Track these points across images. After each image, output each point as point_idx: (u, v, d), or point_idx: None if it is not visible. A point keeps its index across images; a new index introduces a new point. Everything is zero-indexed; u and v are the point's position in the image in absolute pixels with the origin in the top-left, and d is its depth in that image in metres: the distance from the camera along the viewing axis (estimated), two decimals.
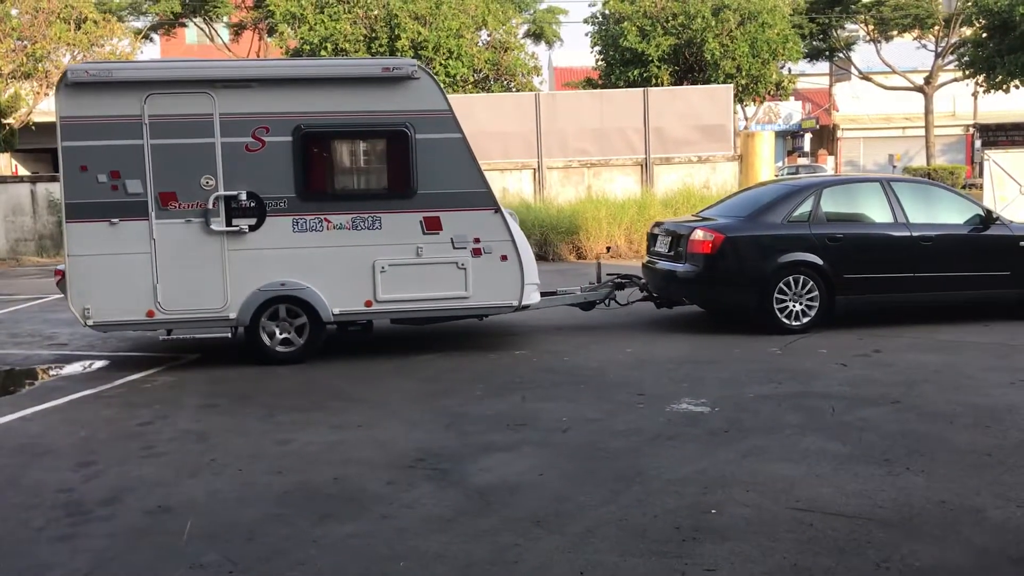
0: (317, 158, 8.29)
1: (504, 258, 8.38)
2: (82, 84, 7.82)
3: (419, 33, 24.72)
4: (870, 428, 5.90)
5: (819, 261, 9.03)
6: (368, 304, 8.29)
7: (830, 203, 9.38)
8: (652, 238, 10.29)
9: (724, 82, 25.21)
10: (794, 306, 9.06)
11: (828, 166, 40.38)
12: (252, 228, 8.08)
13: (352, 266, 8.20)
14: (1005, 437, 5.66)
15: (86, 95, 7.85)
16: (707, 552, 4.07)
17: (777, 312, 9.03)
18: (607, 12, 28.95)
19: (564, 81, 40.43)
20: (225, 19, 37.02)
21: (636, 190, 20.27)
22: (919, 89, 37.01)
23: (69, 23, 27.82)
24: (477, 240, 8.33)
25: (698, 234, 9.17)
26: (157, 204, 7.96)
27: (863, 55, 38.99)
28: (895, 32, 35.72)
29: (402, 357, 8.57)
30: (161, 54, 43.49)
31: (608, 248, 16.13)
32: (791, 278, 9.01)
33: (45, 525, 4.60)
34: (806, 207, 9.26)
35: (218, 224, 8.03)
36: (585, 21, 30.21)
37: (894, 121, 43.28)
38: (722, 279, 9.15)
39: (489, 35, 27.11)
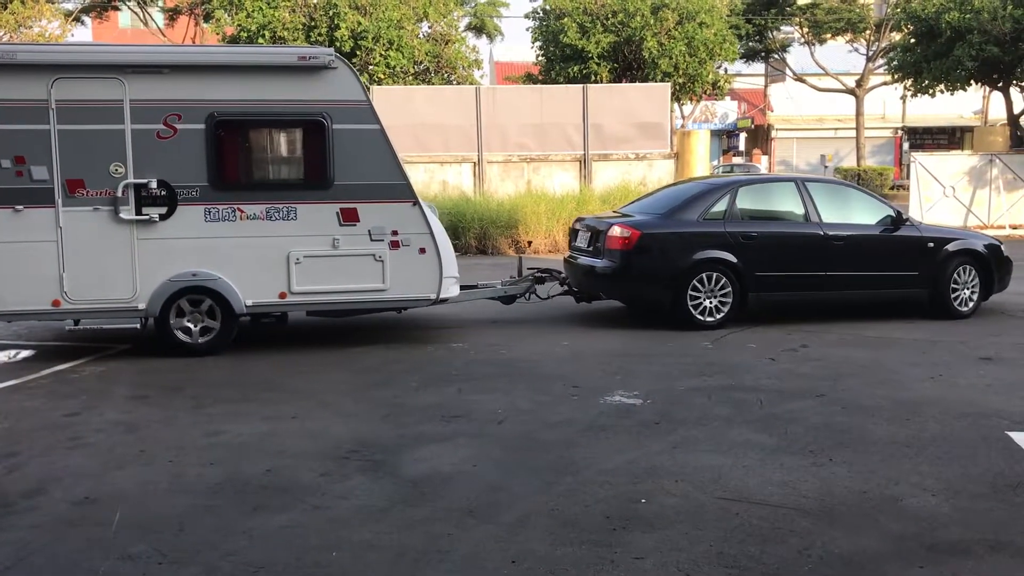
0: (231, 147, 8.13)
1: (422, 251, 8.34)
2: None
3: (359, 23, 24.54)
4: (796, 420, 6.06)
5: (733, 259, 9.20)
6: (282, 296, 8.17)
7: (745, 201, 9.56)
8: (573, 233, 10.40)
9: (662, 80, 25.54)
10: (708, 302, 9.21)
11: (762, 165, 41.15)
12: (163, 217, 7.90)
13: (266, 257, 8.08)
14: (923, 429, 5.87)
15: None
16: (636, 541, 4.16)
17: (691, 308, 9.16)
18: (548, 8, 29.08)
19: (504, 75, 40.50)
20: (160, 3, 36.22)
21: (575, 186, 20.42)
22: (851, 92, 37.95)
23: None
24: (395, 232, 8.27)
25: (615, 230, 9.29)
26: (64, 191, 7.74)
27: (797, 57, 39.84)
28: (828, 35, 36.60)
29: (337, 349, 8.53)
30: (93, 38, 42.36)
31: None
32: (705, 275, 9.16)
33: None
34: (721, 205, 9.42)
35: (127, 213, 7.85)
36: (526, 16, 30.32)
37: (826, 122, 44.31)
38: (638, 275, 9.28)
39: (430, 27, 27.03)
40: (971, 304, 9.92)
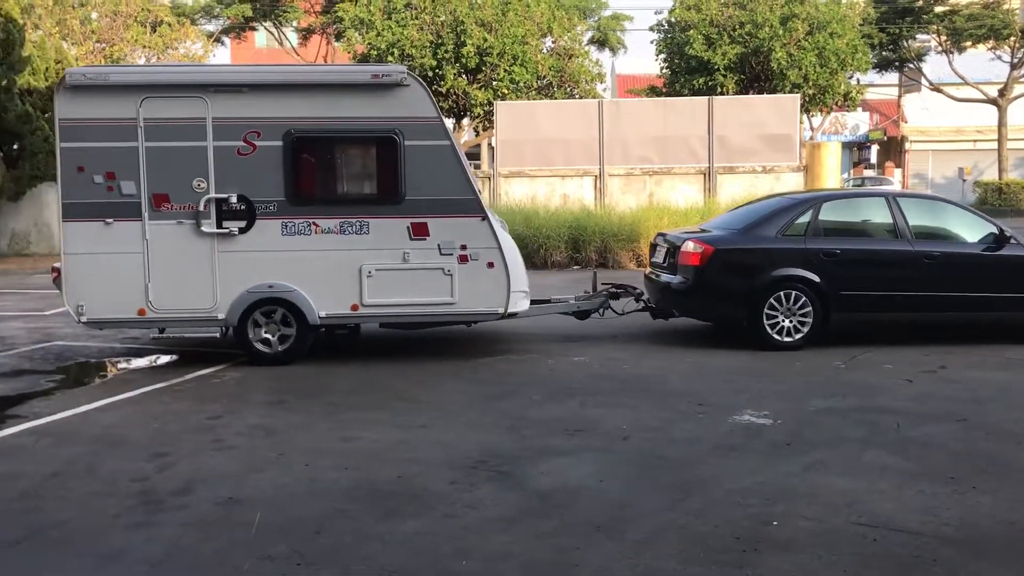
0: (307, 163, 8.39)
1: (491, 265, 8.38)
2: (80, 87, 8.01)
3: (485, 39, 24.94)
4: (935, 445, 5.81)
5: (813, 276, 8.85)
6: (354, 308, 8.34)
7: (829, 217, 9.20)
8: (653, 248, 10.24)
9: (791, 92, 24.97)
10: (786, 322, 8.90)
11: (895, 179, 39.64)
12: (242, 231, 8.20)
13: (339, 270, 8.27)
14: None
15: (84, 98, 8.03)
16: (768, 563, 4.07)
17: (767, 327, 8.89)
18: (673, 20, 28.86)
19: (627, 88, 40.38)
20: (294, 23, 37.69)
21: (698, 199, 20.17)
22: (992, 101, 36.18)
23: (145, 26, 28.58)
24: (464, 247, 8.34)
25: (688, 245, 9.11)
26: (150, 205, 8.12)
27: (934, 66, 38.22)
28: (968, 43, 34.99)
29: (460, 360, 8.67)
30: (231, 58, 44.44)
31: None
32: (783, 293, 8.85)
33: (121, 513, 4.77)
34: (803, 221, 9.10)
35: (209, 226, 8.16)
36: (651, 29, 30.20)
37: (965, 134, 42.29)
38: (711, 292, 9.07)
39: (554, 42, 27.22)
40: None
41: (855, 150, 45.04)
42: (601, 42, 39.55)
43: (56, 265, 8.31)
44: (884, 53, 35.63)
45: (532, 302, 9.12)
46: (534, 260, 17.05)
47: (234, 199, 8.15)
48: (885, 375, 7.85)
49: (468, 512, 4.72)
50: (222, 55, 43.53)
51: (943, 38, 35.29)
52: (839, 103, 28.87)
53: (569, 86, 27.04)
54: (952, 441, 5.90)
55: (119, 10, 28.01)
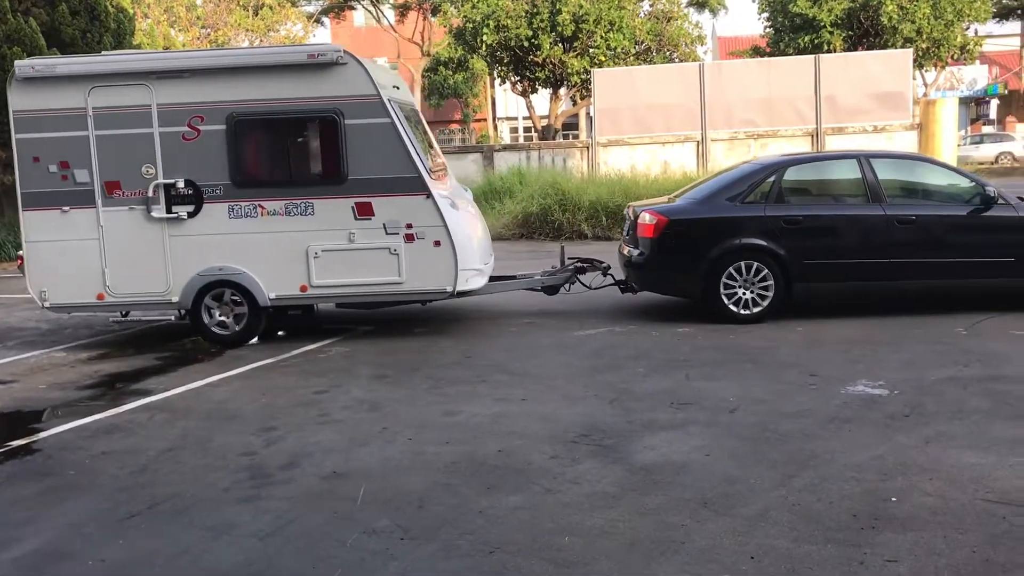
0: (250, 145, 8.40)
1: (437, 244, 8.27)
2: (31, 79, 8.19)
3: (580, 6, 24.58)
4: None
5: (772, 245, 8.41)
6: (303, 289, 8.36)
7: (793, 182, 8.73)
8: (624, 220, 9.88)
9: (903, 47, 23.85)
10: (744, 294, 8.51)
11: (1018, 134, 37.54)
12: (190, 215, 8.30)
13: (286, 252, 8.29)
14: None
15: (35, 90, 8.22)
16: (888, 542, 3.87)
17: (725, 300, 8.52)
18: None
19: (728, 51, 39.30)
20: (391, 1, 37.91)
21: None
22: None
23: (248, 10, 29.18)
24: (409, 226, 8.25)
25: (645, 217, 8.77)
26: (103, 192, 8.29)
27: None
28: None
29: (562, 333, 8.58)
30: (331, 38, 45.08)
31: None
32: (741, 264, 8.45)
33: (231, 486, 4.88)
34: (764, 187, 8.64)
35: (158, 211, 8.29)
36: None
37: None
38: (667, 264, 8.75)
39: (651, 5, 26.66)
40: None
41: (973, 106, 42.87)
42: (701, 3, 38.49)
43: (21, 253, 8.56)
44: (1004, 1, 33.65)
45: (495, 278, 9.12)
46: None
47: (181, 184, 8.27)
48: (1013, 341, 7.41)
49: (570, 487, 4.64)
50: (322, 36, 44.23)
51: None
52: (955, 56, 27.45)
53: (668, 50, 26.47)
54: None
55: None
